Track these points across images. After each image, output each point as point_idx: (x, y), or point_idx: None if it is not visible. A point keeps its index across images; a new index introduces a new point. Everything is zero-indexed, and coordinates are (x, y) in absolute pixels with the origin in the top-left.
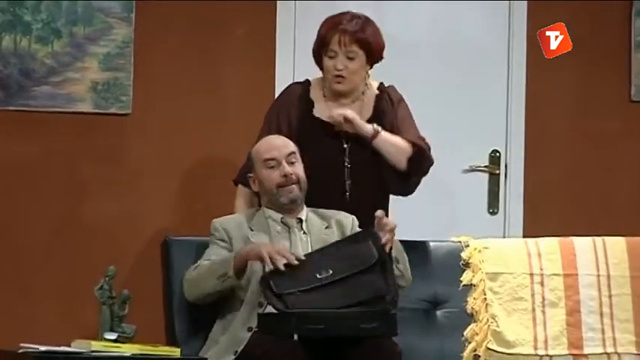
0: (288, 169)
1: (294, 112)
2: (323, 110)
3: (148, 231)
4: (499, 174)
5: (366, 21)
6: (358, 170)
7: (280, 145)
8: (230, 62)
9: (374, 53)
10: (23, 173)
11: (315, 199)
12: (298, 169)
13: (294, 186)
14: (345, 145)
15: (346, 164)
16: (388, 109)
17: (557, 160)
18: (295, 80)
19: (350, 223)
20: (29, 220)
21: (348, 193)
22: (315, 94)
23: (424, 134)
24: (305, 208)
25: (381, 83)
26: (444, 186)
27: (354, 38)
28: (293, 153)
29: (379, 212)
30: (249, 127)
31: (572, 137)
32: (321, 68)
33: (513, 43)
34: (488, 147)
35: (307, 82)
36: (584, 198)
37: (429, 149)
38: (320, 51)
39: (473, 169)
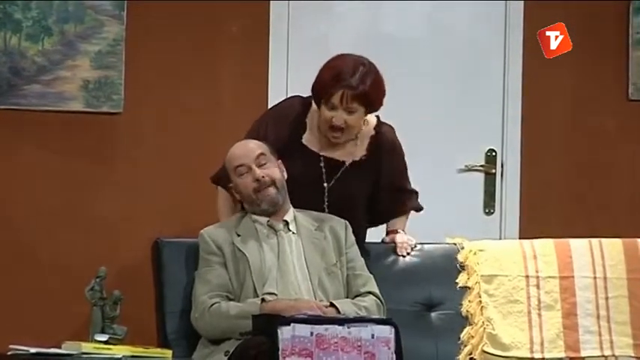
0: (258, 172)
1: (285, 131)
2: (312, 140)
3: (139, 231)
4: (495, 174)
5: (368, 70)
6: (337, 198)
7: (248, 149)
8: (223, 61)
9: (374, 106)
10: (13, 173)
11: None
12: (270, 170)
13: (269, 188)
14: (324, 170)
15: (325, 194)
16: (382, 153)
17: (554, 160)
18: (288, 79)
19: (343, 230)
20: (19, 220)
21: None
22: (311, 119)
23: (419, 133)
24: (291, 208)
25: (378, 120)
26: (439, 186)
27: (355, 95)
28: (262, 154)
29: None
30: (242, 126)
31: (569, 136)
32: (319, 107)
33: (510, 41)
34: (485, 146)
35: (309, 103)
36: (581, 198)
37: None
38: (320, 96)
39: (469, 169)
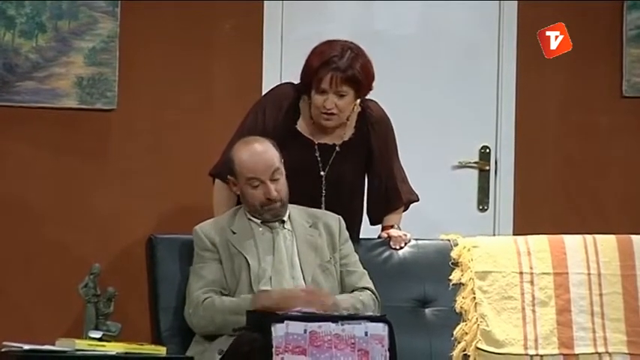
0: (273, 192)
1: (281, 117)
2: (305, 127)
3: (133, 227)
4: (489, 170)
5: (357, 53)
6: (333, 184)
7: (264, 163)
8: (217, 59)
9: (364, 89)
10: (7, 169)
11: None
12: (281, 185)
13: (277, 204)
14: (319, 158)
15: (322, 182)
16: (370, 125)
17: (548, 157)
18: (282, 77)
19: (337, 227)
20: (13, 216)
21: (323, 205)
22: (303, 106)
23: (414, 130)
24: (288, 206)
25: (363, 98)
26: (434, 182)
27: (345, 78)
28: (277, 169)
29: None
30: (236, 123)
31: (563, 133)
32: (308, 95)
33: (504, 39)
34: (479, 143)
35: (301, 90)
36: (575, 195)
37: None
38: (310, 83)
39: (463, 166)
